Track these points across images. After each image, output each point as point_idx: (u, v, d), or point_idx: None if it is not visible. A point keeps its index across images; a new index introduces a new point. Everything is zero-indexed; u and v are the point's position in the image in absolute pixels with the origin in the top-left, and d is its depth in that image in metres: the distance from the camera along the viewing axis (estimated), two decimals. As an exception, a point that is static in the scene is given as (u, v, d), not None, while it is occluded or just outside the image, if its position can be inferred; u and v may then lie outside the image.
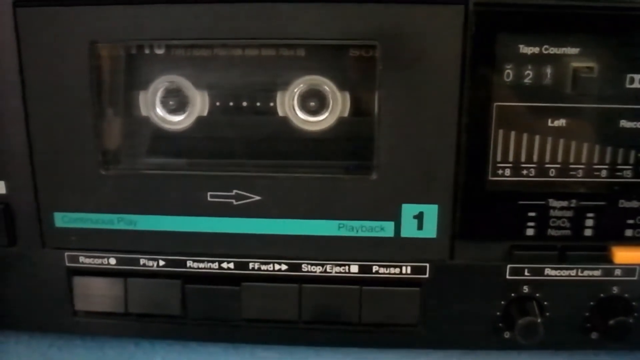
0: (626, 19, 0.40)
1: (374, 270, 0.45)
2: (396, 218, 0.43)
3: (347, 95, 0.44)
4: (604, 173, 0.42)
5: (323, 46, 0.43)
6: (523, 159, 0.42)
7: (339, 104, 0.44)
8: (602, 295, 0.45)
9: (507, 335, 0.46)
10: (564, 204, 0.43)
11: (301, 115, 0.44)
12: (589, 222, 0.43)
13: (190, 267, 0.46)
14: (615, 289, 0.45)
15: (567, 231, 0.43)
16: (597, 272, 0.45)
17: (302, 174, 0.43)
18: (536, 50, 0.40)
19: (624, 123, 0.41)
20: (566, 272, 0.45)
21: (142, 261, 0.46)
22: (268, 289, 0.46)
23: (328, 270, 0.45)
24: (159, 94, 0.45)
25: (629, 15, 0.40)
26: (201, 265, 0.46)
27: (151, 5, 0.41)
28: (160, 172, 0.44)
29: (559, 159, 0.42)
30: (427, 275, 0.45)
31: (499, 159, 0.42)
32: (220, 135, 0.45)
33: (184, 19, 0.41)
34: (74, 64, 0.42)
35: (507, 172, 0.42)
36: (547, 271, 0.45)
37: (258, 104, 0.45)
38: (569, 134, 0.42)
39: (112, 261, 0.46)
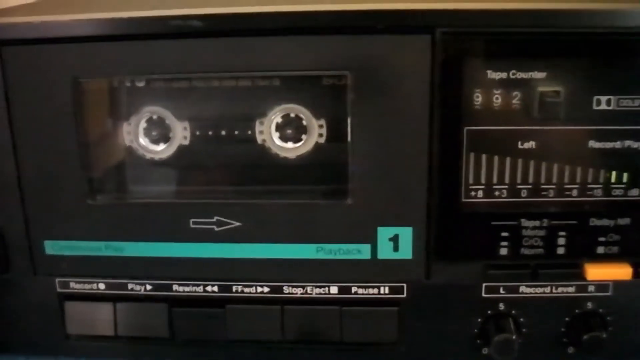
0: (590, 43, 0.41)
1: (353, 291, 0.46)
2: (372, 241, 0.45)
3: (323, 122, 0.46)
4: (574, 192, 0.43)
5: (297, 76, 0.44)
6: (495, 180, 0.43)
7: (315, 131, 0.46)
8: (577, 311, 0.46)
9: (485, 351, 0.47)
10: (536, 223, 0.44)
11: (279, 142, 0.46)
12: (561, 241, 0.44)
13: (176, 291, 0.47)
14: (589, 305, 0.46)
15: (540, 250, 0.44)
16: (571, 289, 0.46)
17: (280, 199, 0.45)
18: (504, 75, 0.41)
19: (593, 143, 0.42)
20: (541, 290, 0.46)
21: (130, 286, 0.48)
22: (251, 311, 0.47)
23: (309, 291, 0.47)
24: (142, 125, 0.46)
25: (593, 40, 0.41)
26: (187, 289, 0.47)
27: (130, 42, 0.42)
28: (144, 201, 0.46)
29: (530, 180, 0.43)
30: (404, 295, 0.46)
31: (471, 181, 0.43)
32: (201, 163, 0.47)
33: (162, 53, 0.42)
34: (58, 99, 0.43)
35: (480, 193, 0.43)
36: (522, 289, 0.46)
37: (236, 132, 0.46)
38: (539, 155, 0.43)
39: (102, 286, 0.48)
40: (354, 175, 0.44)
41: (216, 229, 0.45)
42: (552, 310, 0.46)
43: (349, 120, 0.43)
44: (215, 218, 0.45)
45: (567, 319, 0.46)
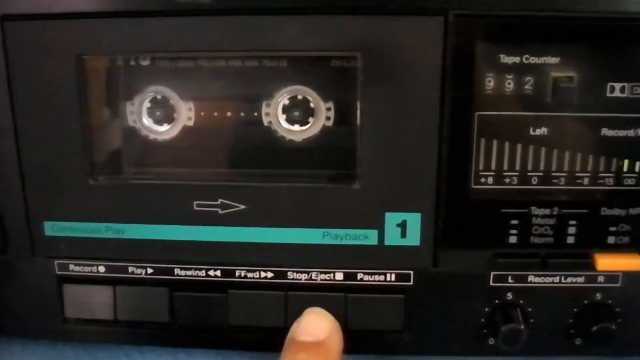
0: (605, 28, 0.40)
1: (358, 277, 0.46)
2: (380, 226, 0.44)
3: (331, 105, 0.45)
4: (585, 181, 0.43)
5: (306, 57, 0.43)
6: (505, 167, 0.42)
7: (322, 114, 0.45)
8: (585, 301, 0.45)
9: (491, 341, 0.46)
10: (546, 212, 0.43)
11: (285, 124, 0.45)
12: (571, 230, 0.43)
13: (177, 275, 0.47)
14: (598, 296, 0.45)
15: (549, 239, 0.43)
16: (580, 279, 0.45)
17: (286, 183, 0.44)
18: (517, 59, 0.41)
19: (605, 131, 0.42)
20: (549, 279, 0.45)
21: (130, 269, 0.47)
22: (254, 297, 0.46)
23: (313, 277, 0.46)
24: (145, 105, 0.45)
25: (608, 25, 0.40)
26: (188, 272, 0.46)
27: (135, 19, 0.41)
28: (146, 182, 0.45)
29: (541, 167, 0.42)
30: (411, 283, 0.46)
31: (481, 167, 0.42)
32: (206, 145, 0.46)
33: (168, 31, 0.41)
34: (60, 76, 0.42)
35: (490, 180, 0.43)
36: (531, 278, 0.45)
37: (242, 114, 0.45)
38: (551, 142, 0.42)
39: (101, 269, 0.47)
40: (362, 160, 0.43)
41: (220, 212, 0.44)
42: (560, 300, 0.45)
43: (358, 103, 0.42)
44: (220, 201, 0.44)
45: (575, 309, 0.46)
